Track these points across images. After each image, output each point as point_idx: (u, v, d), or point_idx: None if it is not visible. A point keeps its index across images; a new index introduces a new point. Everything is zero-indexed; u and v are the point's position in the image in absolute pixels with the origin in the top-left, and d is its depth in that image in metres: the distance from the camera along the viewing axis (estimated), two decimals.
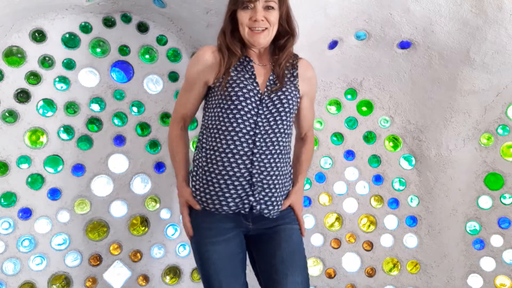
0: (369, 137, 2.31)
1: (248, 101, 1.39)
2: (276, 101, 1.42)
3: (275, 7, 1.39)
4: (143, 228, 2.08)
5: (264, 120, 1.41)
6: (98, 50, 1.98)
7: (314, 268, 2.30)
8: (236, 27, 1.44)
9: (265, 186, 1.41)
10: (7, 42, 1.82)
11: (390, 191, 2.31)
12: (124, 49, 2.02)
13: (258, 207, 1.41)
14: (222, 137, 1.40)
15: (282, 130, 1.45)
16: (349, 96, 2.28)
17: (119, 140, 2.02)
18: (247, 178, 1.39)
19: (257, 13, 1.37)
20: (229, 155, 1.38)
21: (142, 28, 2.06)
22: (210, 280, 1.40)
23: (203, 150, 1.46)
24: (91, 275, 1.98)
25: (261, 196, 1.41)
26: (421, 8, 1.88)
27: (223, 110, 1.40)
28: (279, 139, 1.44)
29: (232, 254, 1.43)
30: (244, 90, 1.39)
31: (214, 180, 1.40)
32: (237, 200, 1.40)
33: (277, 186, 1.45)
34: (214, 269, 1.40)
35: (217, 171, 1.39)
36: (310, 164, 1.71)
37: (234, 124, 1.39)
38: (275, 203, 1.45)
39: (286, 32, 1.46)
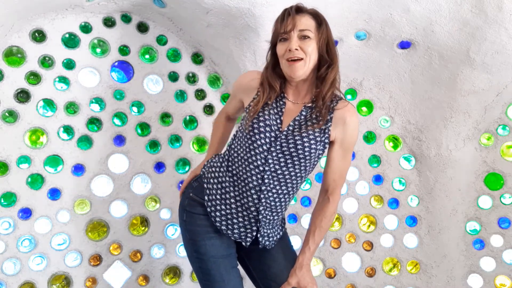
0: (369, 137, 2.31)
1: (263, 135, 1.37)
2: (291, 144, 1.36)
3: (311, 36, 1.34)
4: (143, 228, 2.08)
5: (275, 159, 1.37)
6: (98, 50, 1.98)
7: (314, 268, 2.30)
8: (278, 61, 1.42)
9: (267, 221, 1.44)
10: (7, 42, 1.82)
11: (390, 191, 2.31)
12: (124, 49, 2.02)
13: (263, 241, 1.45)
14: (239, 163, 1.41)
15: (293, 174, 1.40)
16: (349, 96, 2.28)
17: (119, 140, 2.02)
18: (254, 213, 1.40)
19: (291, 42, 1.33)
20: (242, 184, 1.39)
21: (142, 28, 2.06)
22: (210, 273, 1.41)
23: (224, 166, 1.47)
24: (91, 275, 1.98)
25: (267, 232, 1.46)
26: (421, 8, 1.88)
27: (243, 137, 1.41)
28: (288, 181, 1.40)
29: (228, 246, 1.47)
30: (262, 124, 1.38)
31: (227, 202, 1.42)
32: (241, 229, 1.43)
33: (279, 219, 1.51)
34: (214, 261, 1.41)
35: (232, 193, 1.42)
36: (325, 234, 1.52)
37: (248, 155, 1.38)
38: (276, 235, 1.51)
39: (325, 61, 1.39)
